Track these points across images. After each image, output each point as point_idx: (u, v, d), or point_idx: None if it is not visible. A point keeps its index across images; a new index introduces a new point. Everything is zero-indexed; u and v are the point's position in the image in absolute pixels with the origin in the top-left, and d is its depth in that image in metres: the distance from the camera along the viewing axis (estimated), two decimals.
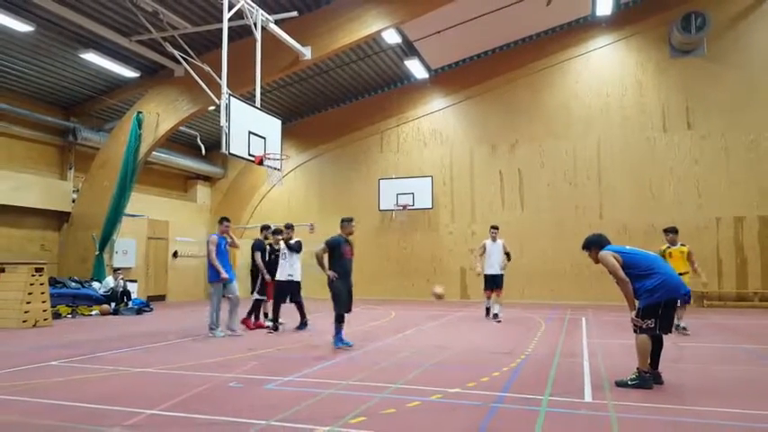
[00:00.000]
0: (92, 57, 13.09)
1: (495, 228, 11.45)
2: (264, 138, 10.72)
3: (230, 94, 9.81)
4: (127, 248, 15.64)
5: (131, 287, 14.21)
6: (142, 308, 13.47)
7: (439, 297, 8.76)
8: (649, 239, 15.58)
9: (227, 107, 9.64)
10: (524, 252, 16.51)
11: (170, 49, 12.56)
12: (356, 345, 7.93)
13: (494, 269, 11.15)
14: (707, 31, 15.01)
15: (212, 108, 14.44)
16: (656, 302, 5.09)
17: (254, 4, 11.14)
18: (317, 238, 19.93)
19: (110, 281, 13.75)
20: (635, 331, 5.25)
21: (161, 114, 14.53)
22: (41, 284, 10.63)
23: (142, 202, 16.95)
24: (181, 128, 15.71)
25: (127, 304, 13.38)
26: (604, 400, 4.67)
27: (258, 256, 10.05)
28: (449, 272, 17.44)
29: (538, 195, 16.84)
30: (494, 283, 11.17)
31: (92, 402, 4.65)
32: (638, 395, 4.87)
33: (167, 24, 12.14)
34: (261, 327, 9.96)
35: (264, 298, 10.12)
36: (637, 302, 5.21)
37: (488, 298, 11.37)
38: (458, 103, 18.00)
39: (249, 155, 10.28)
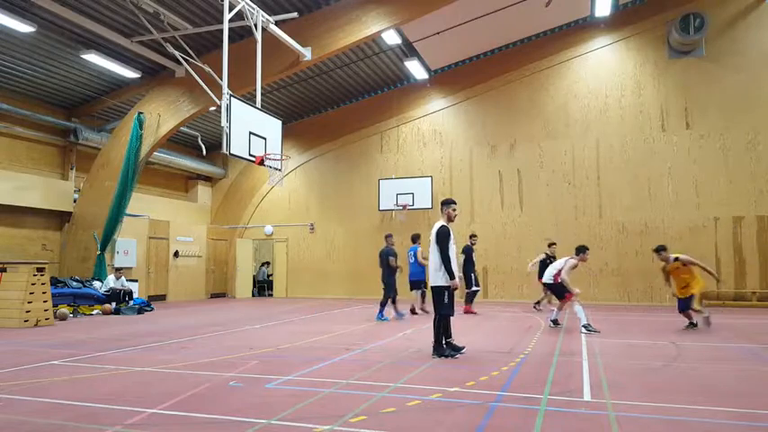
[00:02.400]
0: (93, 57, 13.13)
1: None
2: (265, 138, 10.76)
3: (231, 95, 9.86)
4: (128, 248, 15.69)
5: (132, 287, 14.26)
6: (143, 307, 13.52)
7: None
8: (647, 239, 15.66)
9: (228, 108, 9.69)
10: (523, 252, 16.55)
11: (171, 49, 12.60)
12: (356, 344, 7.97)
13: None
14: (705, 32, 15.06)
15: (213, 109, 14.50)
16: None
17: (254, 6, 11.18)
18: (317, 237, 20.06)
19: (111, 280, 13.80)
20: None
21: (162, 115, 14.57)
22: (43, 284, 10.67)
23: (143, 202, 17.02)
24: (182, 128, 15.76)
25: (128, 304, 13.43)
26: (603, 399, 4.70)
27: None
28: None
29: (537, 195, 16.87)
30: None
31: (93, 401, 4.69)
32: (637, 394, 4.91)
33: (168, 25, 12.17)
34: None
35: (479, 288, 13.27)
36: None
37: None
38: (457, 104, 18.04)
39: (250, 155, 10.33)
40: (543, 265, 12.86)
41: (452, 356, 6.74)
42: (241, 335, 9.21)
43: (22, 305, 10.23)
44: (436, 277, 6.76)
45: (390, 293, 11.50)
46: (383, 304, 11.44)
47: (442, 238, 6.75)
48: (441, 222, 6.94)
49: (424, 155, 18.36)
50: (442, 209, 7.07)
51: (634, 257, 15.77)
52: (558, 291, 9.79)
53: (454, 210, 7.04)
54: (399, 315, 11.79)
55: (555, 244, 13.50)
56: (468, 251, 12.78)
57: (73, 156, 15.99)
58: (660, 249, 9.58)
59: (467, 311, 12.46)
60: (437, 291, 6.79)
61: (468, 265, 12.62)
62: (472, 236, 13.32)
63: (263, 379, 5.60)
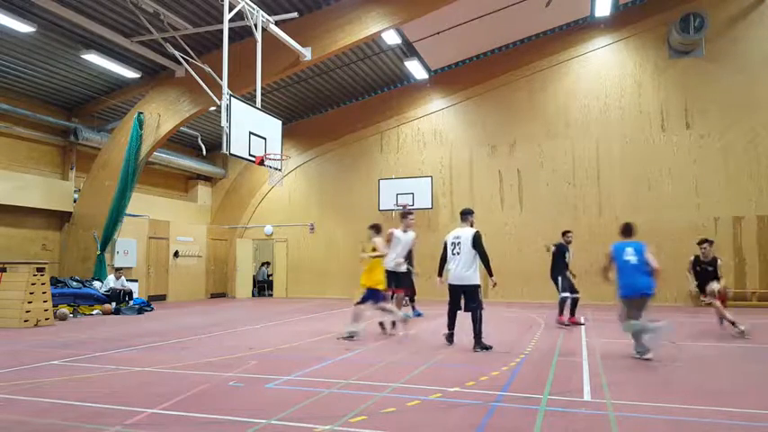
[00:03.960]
0: (93, 57, 13.13)
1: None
2: (265, 138, 10.77)
3: (231, 95, 9.86)
4: (128, 248, 15.68)
5: (132, 287, 14.26)
6: (143, 307, 13.52)
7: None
8: (647, 239, 15.63)
9: (228, 108, 9.70)
10: (523, 252, 16.55)
11: (171, 49, 12.59)
12: (355, 344, 7.96)
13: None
14: (705, 32, 15.06)
15: (213, 109, 14.49)
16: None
17: (254, 5, 11.18)
18: (317, 237, 20.05)
19: (111, 280, 13.80)
20: None
21: (162, 115, 14.57)
22: (43, 284, 10.67)
23: (143, 202, 17.01)
24: (182, 128, 15.75)
25: (128, 304, 13.43)
26: (603, 399, 4.70)
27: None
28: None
29: (537, 195, 16.87)
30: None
31: (93, 401, 4.69)
32: (637, 394, 4.90)
33: (168, 25, 12.17)
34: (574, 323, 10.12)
35: (568, 295, 10.09)
36: None
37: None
38: (457, 104, 18.03)
39: (250, 155, 10.33)
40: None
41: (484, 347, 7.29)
42: (241, 335, 9.21)
43: (22, 305, 10.22)
44: (473, 276, 7.47)
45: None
46: (411, 301, 12.01)
47: (481, 241, 7.54)
48: (471, 228, 7.70)
49: (424, 155, 18.35)
50: (466, 217, 7.90)
51: None
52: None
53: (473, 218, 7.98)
54: (416, 314, 11.86)
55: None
56: (560, 250, 10.28)
57: (73, 156, 15.99)
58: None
59: (572, 322, 10.10)
60: (473, 289, 7.51)
61: (558, 268, 10.21)
62: (565, 232, 10.60)
63: (263, 379, 5.60)
